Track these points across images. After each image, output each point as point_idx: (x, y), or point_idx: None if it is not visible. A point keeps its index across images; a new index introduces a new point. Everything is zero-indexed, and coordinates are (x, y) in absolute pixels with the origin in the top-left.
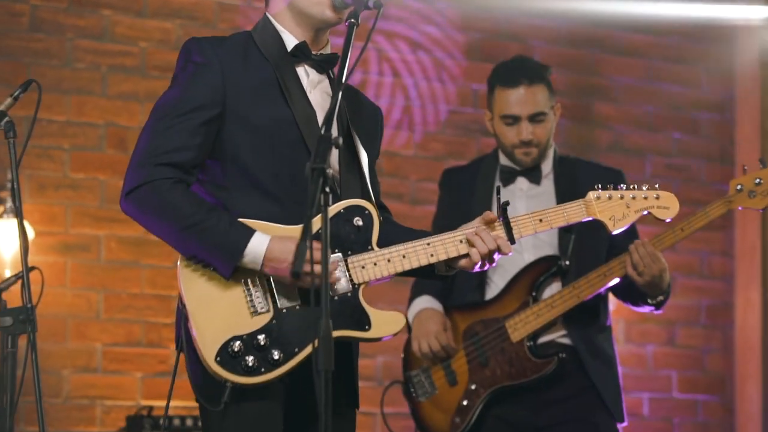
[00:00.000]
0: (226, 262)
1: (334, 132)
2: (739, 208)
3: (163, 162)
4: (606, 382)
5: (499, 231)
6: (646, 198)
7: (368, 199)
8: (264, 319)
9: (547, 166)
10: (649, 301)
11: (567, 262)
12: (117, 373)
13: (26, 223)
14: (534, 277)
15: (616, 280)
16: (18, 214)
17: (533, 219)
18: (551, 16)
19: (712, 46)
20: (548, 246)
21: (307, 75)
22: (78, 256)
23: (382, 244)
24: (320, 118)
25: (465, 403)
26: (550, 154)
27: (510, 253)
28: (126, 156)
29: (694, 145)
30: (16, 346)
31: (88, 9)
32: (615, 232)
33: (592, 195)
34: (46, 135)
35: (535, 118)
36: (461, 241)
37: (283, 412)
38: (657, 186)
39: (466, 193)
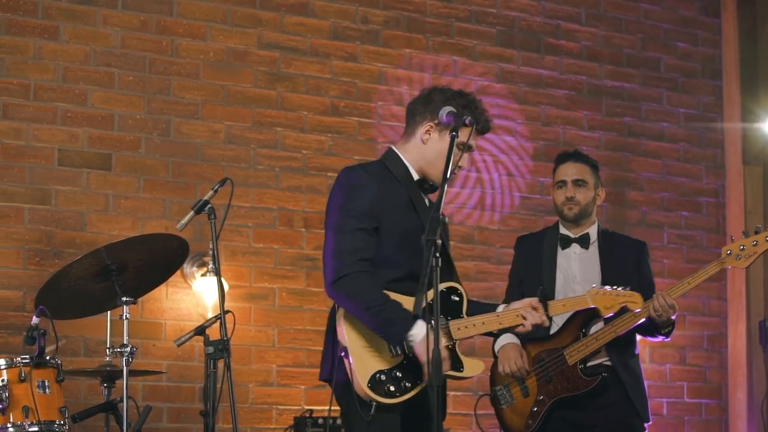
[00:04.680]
0: (394, 338)
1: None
2: (729, 267)
3: (357, 258)
4: (636, 393)
5: (542, 311)
6: (624, 295)
7: (459, 282)
8: (398, 359)
9: (593, 235)
10: (662, 331)
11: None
12: (287, 386)
13: (223, 280)
14: (584, 318)
15: (642, 320)
16: (217, 273)
17: (559, 304)
18: (597, 130)
19: (709, 150)
20: None
21: (426, 197)
22: (259, 303)
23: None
24: None
25: (535, 409)
26: (596, 226)
27: (546, 324)
28: (293, 231)
29: (697, 220)
30: (216, 367)
31: (265, 127)
32: (606, 316)
33: (591, 290)
34: (236, 217)
35: (577, 182)
36: (518, 316)
37: (406, 420)
38: (629, 288)
39: (533, 254)
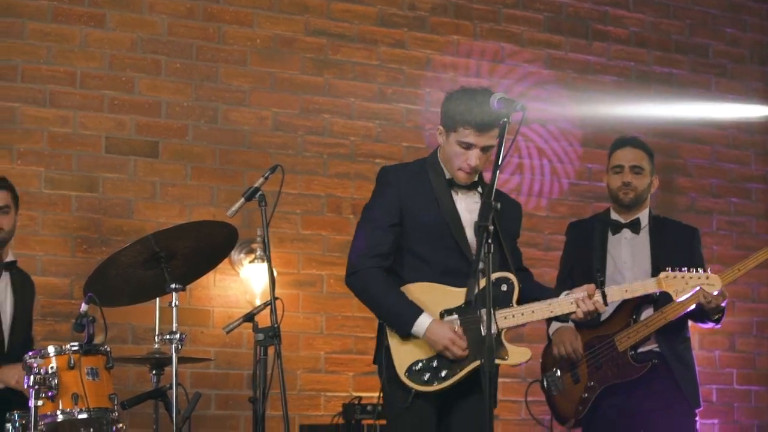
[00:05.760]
0: (401, 330)
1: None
2: None
3: (369, 254)
4: (685, 380)
5: (598, 297)
6: (699, 278)
7: (510, 270)
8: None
9: (644, 221)
10: (712, 318)
11: (657, 293)
12: (335, 372)
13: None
14: (634, 304)
15: (691, 307)
16: (267, 260)
17: (621, 289)
18: (645, 116)
19: (758, 135)
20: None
21: (457, 193)
22: (307, 290)
23: (521, 298)
24: (463, 220)
25: (585, 395)
26: (647, 212)
27: (603, 311)
28: (341, 218)
29: (746, 207)
30: (266, 354)
31: (312, 114)
32: (678, 300)
33: (662, 275)
34: (284, 204)
35: (634, 169)
36: (571, 303)
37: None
38: (708, 270)
39: (583, 240)
